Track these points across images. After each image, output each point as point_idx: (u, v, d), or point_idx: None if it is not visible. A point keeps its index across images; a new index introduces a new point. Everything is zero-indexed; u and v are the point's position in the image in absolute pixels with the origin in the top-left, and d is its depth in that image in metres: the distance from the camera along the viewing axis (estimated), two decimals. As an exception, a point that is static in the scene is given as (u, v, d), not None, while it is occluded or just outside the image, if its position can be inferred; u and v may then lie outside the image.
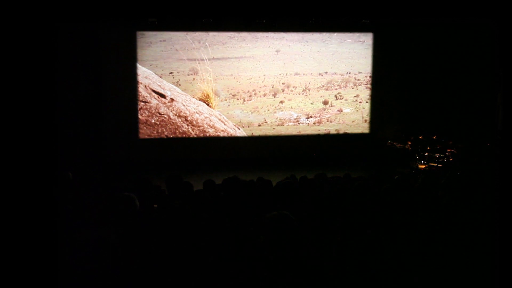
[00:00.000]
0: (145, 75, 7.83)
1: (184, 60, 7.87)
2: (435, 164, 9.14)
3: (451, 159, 9.17)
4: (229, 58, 8.00)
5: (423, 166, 9.22)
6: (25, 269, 1.88)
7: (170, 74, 7.97)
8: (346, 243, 2.62)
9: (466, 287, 2.41)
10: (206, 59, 7.99)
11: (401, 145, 10.07)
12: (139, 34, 7.58)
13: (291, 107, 9.40)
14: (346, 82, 9.65)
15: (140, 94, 7.99)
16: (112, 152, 9.95)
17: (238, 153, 10.54)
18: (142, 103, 8.21)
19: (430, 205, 3.41)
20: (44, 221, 2.23)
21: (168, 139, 10.34)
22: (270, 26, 9.57)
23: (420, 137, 9.80)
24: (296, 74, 8.84)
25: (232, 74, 8.26)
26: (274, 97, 9.05)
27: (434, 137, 9.79)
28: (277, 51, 8.54)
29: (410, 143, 9.90)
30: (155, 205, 3.96)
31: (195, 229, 2.64)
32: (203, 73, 7.99)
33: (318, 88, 9.27)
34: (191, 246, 2.43)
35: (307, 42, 8.79)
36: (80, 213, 3.36)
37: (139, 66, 7.82)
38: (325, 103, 9.77)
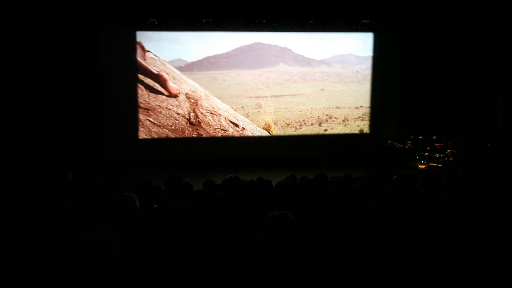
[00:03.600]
0: (225, 109, 9.64)
1: (252, 97, 9.83)
2: (435, 164, 9.14)
3: (451, 159, 9.16)
4: (285, 95, 9.99)
5: (423, 166, 9.21)
6: (25, 269, 1.88)
7: (242, 108, 9.88)
8: (346, 243, 2.62)
9: (466, 287, 2.40)
10: (268, 96, 9.91)
11: (401, 145, 10.07)
12: (218, 78, 9.36)
13: (333, 135, 11.18)
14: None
15: (221, 124, 9.87)
16: (112, 152, 9.96)
17: (238, 153, 10.54)
18: (222, 131, 10.05)
19: (430, 205, 3.41)
20: (44, 221, 2.23)
21: (168, 139, 10.34)
22: (270, 26, 9.58)
23: (420, 137, 9.79)
24: (337, 107, 10.64)
25: (287, 108, 10.19)
26: (320, 126, 10.73)
27: (434, 137, 9.79)
28: (322, 89, 10.32)
29: (410, 142, 9.90)
30: (155, 205, 3.96)
31: (195, 229, 2.63)
32: (266, 107, 9.93)
33: (355, 119, 10.94)
34: (191, 246, 2.43)
35: (345, 83, 10.57)
36: (80, 213, 3.36)
37: (220, 102, 9.63)
38: (361, 131, 11.14)
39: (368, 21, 9.79)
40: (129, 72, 10.02)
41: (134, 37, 9.97)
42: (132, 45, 9.97)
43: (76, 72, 9.52)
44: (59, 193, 3.32)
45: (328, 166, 8.82)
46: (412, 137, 9.96)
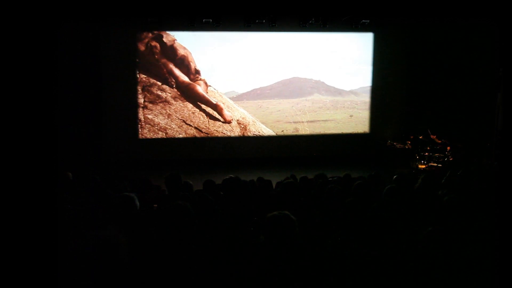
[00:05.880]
0: (268, 133, 11.02)
1: (291, 122, 11.03)
2: (435, 164, 9.13)
3: (451, 159, 9.16)
4: (318, 121, 11.16)
5: (423, 166, 9.21)
6: (25, 269, 1.88)
7: (282, 132, 11.09)
8: (346, 243, 2.62)
9: (467, 286, 2.40)
10: (304, 122, 11.07)
11: (401, 145, 10.06)
12: (262, 106, 10.80)
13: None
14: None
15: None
16: (112, 152, 9.96)
17: (238, 153, 10.55)
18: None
19: (430, 205, 3.41)
20: (44, 221, 2.23)
21: (168, 139, 10.35)
22: (270, 26, 9.59)
23: (420, 137, 9.78)
24: (364, 132, 11.46)
25: (320, 132, 11.28)
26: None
27: (434, 137, 9.78)
28: (351, 116, 11.25)
29: (410, 142, 9.90)
30: (155, 205, 3.96)
31: (196, 229, 2.63)
32: (302, 131, 11.15)
33: (383, 142, 11.87)
34: (192, 246, 2.43)
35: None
36: (80, 213, 3.37)
37: (264, 126, 10.90)
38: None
39: (368, 21, 9.79)
40: (129, 72, 10.03)
41: (134, 37, 9.99)
42: (132, 45, 9.98)
43: (76, 72, 9.52)
44: (59, 193, 3.32)
45: (328, 166, 8.82)
46: (412, 137, 9.96)
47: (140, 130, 10.17)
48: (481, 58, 9.40)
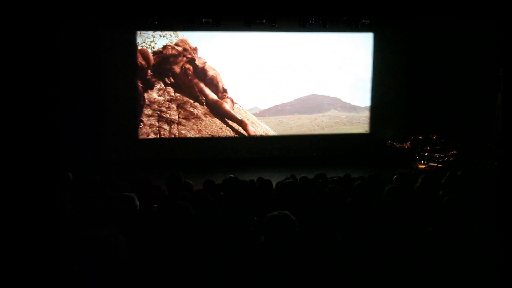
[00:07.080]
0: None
1: (309, 135, 11.54)
2: (435, 164, 9.13)
3: (451, 159, 9.16)
4: (335, 133, 11.58)
5: (423, 166, 9.21)
6: (25, 269, 1.88)
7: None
8: (346, 243, 2.62)
9: (467, 286, 2.40)
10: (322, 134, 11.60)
11: (401, 145, 10.07)
12: (283, 122, 11.35)
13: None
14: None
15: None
16: (112, 152, 9.96)
17: (238, 153, 10.56)
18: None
19: (430, 205, 3.40)
20: (44, 221, 2.23)
21: (168, 139, 10.35)
22: (270, 26, 9.60)
23: (420, 137, 9.78)
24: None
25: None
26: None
27: (434, 137, 9.78)
28: (366, 131, 11.58)
29: (410, 142, 9.90)
30: (155, 205, 3.96)
31: (195, 229, 2.63)
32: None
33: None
34: (192, 246, 2.43)
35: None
36: (80, 213, 3.36)
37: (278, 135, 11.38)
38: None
39: (368, 21, 9.79)
40: (129, 72, 10.03)
41: (134, 37, 9.99)
42: (132, 45, 9.98)
43: (76, 72, 9.52)
44: (59, 193, 3.32)
45: (328, 166, 8.83)
46: (412, 137, 9.96)
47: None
48: (481, 58, 9.39)
